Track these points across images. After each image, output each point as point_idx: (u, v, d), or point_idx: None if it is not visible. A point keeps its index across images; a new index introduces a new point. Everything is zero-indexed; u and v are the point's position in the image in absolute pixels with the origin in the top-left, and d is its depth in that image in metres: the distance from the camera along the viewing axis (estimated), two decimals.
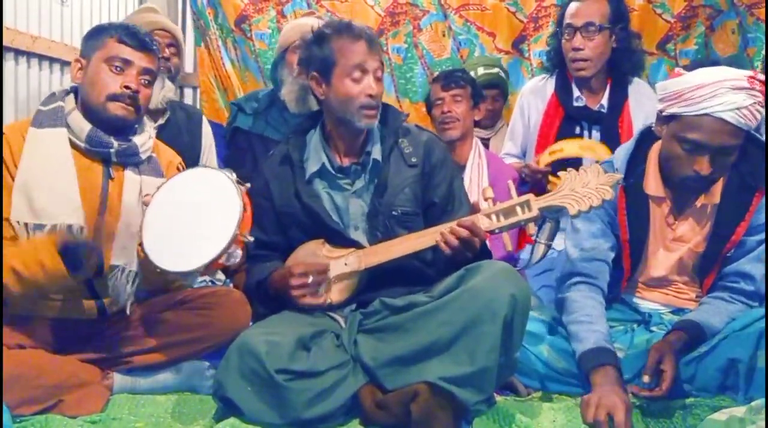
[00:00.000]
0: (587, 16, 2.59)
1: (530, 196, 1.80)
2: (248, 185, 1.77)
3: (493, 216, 1.81)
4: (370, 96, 1.90)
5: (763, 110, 1.82)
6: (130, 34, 1.91)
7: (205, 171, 1.83)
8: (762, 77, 1.81)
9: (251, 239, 1.74)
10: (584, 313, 1.93)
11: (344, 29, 1.93)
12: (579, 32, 2.60)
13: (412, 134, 2.04)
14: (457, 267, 1.79)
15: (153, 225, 1.75)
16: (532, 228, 1.81)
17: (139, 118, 1.95)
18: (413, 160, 1.98)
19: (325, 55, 1.92)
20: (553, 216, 1.85)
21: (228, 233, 1.67)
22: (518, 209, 1.80)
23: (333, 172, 1.98)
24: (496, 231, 1.81)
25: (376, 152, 1.97)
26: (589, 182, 1.78)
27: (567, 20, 2.63)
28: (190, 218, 1.74)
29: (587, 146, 2.57)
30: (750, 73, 1.81)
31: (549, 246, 1.90)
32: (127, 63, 1.89)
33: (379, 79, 1.93)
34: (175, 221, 1.74)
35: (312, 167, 1.98)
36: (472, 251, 1.78)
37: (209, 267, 1.71)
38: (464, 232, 1.76)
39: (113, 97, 1.87)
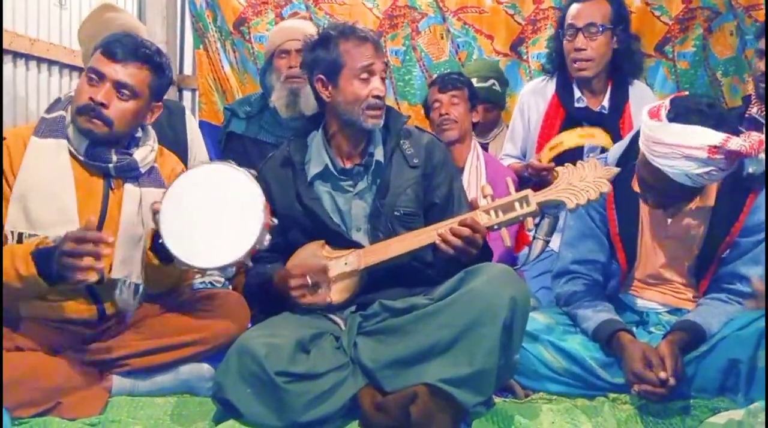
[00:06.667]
0: (589, 17, 2.60)
1: (528, 192, 1.81)
2: (253, 172, 1.82)
3: (492, 212, 1.81)
4: (378, 97, 1.92)
5: (721, 170, 1.78)
6: (110, 44, 1.83)
7: (207, 166, 1.84)
8: (734, 144, 1.71)
9: (276, 221, 1.82)
10: (585, 298, 2.05)
11: (350, 32, 1.94)
12: (581, 33, 2.60)
13: (413, 136, 2.05)
14: (459, 266, 1.79)
15: (173, 229, 1.75)
16: (530, 223, 1.81)
17: (118, 132, 1.84)
18: (415, 161, 1.99)
19: (333, 58, 1.93)
20: (551, 212, 1.86)
21: (258, 219, 1.76)
22: (517, 204, 1.80)
23: (336, 174, 1.98)
24: (495, 227, 1.80)
25: (379, 153, 1.98)
26: (586, 176, 1.78)
27: (569, 21, 2.64)
28: (212, 213, 1.77)
29: (586, 133, 2.55)
30: (717, 142, 1.72)
31: (547, 242, 1.90)
32: (101, 76, 1.81)
33: (383, 80, 1.95)
34: (196, 220, 1.76)
35: (314, 169, 1.98)
36: (475, 247, 1.78)
37: (248, 256, 1.77)
38: (466, 231, 1.76)
39: (79, 110, 1.81)
